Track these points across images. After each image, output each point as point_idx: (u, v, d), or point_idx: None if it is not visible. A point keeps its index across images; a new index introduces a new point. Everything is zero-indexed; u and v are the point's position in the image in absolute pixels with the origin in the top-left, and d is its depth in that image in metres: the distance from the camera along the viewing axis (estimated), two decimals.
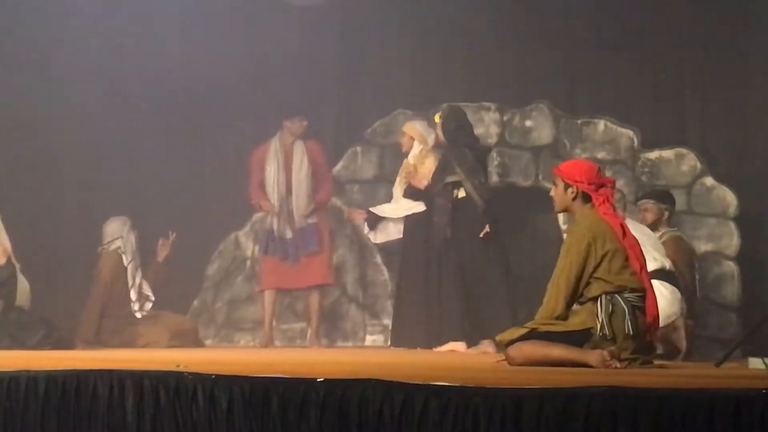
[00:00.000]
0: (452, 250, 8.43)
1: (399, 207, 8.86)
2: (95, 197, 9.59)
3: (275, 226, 9.07)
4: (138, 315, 8.89)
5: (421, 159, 8.85)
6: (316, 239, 9.11)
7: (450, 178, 8.50)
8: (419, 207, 8.71)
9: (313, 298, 9.23)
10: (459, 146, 8.55)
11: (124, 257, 8.91)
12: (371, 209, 9.02)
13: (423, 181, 8.68)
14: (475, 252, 8.42)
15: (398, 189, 8.92)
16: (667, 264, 7.28)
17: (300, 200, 9.07)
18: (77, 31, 9.38)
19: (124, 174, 9.85)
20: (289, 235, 9.06)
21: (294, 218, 9.07)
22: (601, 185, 6.02)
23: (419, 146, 8.86)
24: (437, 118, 8.69)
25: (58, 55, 9.42)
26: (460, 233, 8.43)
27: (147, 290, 8.99)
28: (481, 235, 8.34)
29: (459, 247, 8.43)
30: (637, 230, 6.72)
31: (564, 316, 5.91)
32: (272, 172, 9.12)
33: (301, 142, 9.15)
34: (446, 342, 8.34)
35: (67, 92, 9.48)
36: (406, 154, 8.99)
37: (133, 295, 8.89)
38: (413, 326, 8.55)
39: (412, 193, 8.75)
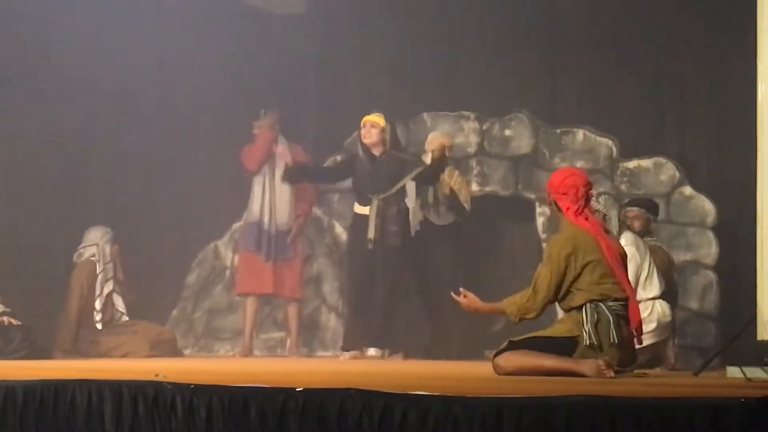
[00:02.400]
0: (399, 256, 8.49)
1: (445, 214, 8.88)
2: (75, 206, 9.56)
3: (264, 221, 9.08)
4: (99, 326, 8.82)
5: (450, 172, 8.88)
6: (292, 246, 9.15)
7: (411, 182, 8.53)
8: (452, 217, 8.87)
9: (292, 308, 9.24)
10: (405, 152, 8.72)
11: (98, 266, 8.87)
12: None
13: (460, 195, 8.83)
14: (410, 258, 8.56)
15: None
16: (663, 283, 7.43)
17: (281, 201, 9.06)
18: (59, 41, 9.35)
19: (103, 183, 9.82)
20: (272, 232, 9.08)
21: (277, 221, 9.10)
22: (564, 193, 6.05)
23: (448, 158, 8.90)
24: (382, 121, 8.62)
25: (39, 64, 9.38)
26: (408, 241, 8.52)
27: (119, 304, 8.93)
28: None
29: (410, 253, 8.53)
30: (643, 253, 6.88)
31: (535, 319, 5.96)
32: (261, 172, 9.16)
33: (285, 143, 9.18)
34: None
35: (48, 100, 9.44)
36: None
37: (98, 305, 8.84)
38: (365, 330, 8.56)
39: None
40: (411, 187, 8.54)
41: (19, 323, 7.96)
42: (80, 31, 9.42)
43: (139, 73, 9.75)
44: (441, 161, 8.80)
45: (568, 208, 6.03)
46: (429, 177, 8.66)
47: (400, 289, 8.52)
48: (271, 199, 9.14)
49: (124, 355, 8.58)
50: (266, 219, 9.09)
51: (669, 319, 7.48)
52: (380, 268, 8.52)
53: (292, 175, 8.87)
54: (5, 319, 7.92)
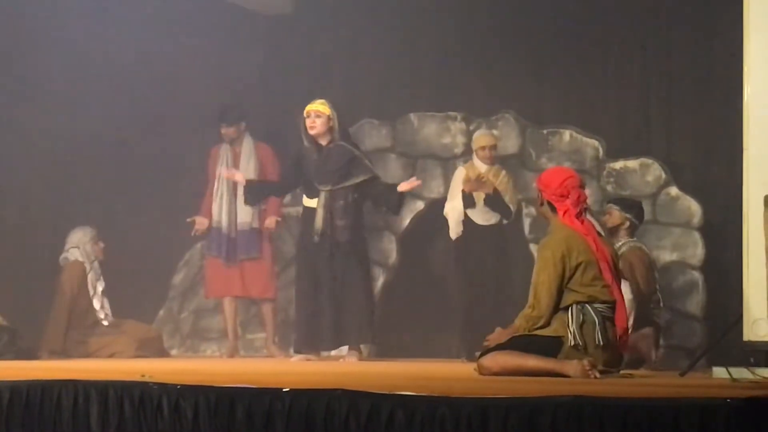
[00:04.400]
0: (350, 252, 8.27)
1: (485, 214, 8.80)
2: (60, 206, 9.53)
3: (222, 224, 9.06)
4: (105, 323, 8.84)
5: (495, 172, 8.81)
6: (258, 246, 9.12)
7: (371, 174, 8.33)
8: (496, 217, 8.76)
9: (266, 308, 9.24)
10: (349, 141, 8.45)
11: (87, 266, 8.86)
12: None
13: (506, 195, 8.69)
14: (366, 254, 8.45)
15: (459, 195, 8.83)
16: None
17: (241, 202, 9.01)
18: (43, 37, 9.33)
19: (89, 183, 9.80)
20: (232, 235, 9.06)
21: (237, 220, 9.07)
22: (564, 195, 6.02)
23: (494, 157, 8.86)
24: (328, 110, 8.32)
25: (18, 62, 9.36)
26: (357, 234, 8.34)
27: (106, 305, 8.92)
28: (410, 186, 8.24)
29: (358, 248, 8.34)
30: None
31: (547, 325, 5.94)
32: (221, 171, 9.14)
33: (251, 142, 9.15)
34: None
35: (31, 99, 9.42)
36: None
37: (96, 304, 8.84)
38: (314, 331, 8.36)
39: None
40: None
41: (5, 324, 7.94)
42: (65, 29, 9.39)
43: (124, 72, 9.73)
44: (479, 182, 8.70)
45: (566, 210, 5.99)
46: (382, 191, 8.34)
47: (348, 286, 8.24)
48: (229, 201, 9.11)
49: (111, 356, 8.57)
50: (224, 222, 9.06)
51: (630, 297, 7.32)
52: (328, 263, 8.25)
53: (252, 197, 8.64)
54: None
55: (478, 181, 8.74)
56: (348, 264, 8.28)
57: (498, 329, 6.17)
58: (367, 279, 8.46)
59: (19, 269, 9.07)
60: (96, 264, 8.93)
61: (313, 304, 8.31)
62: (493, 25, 9.47)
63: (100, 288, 8.90)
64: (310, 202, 8.41)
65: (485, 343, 6.06)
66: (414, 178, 8.42)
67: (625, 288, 7.19)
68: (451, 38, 9.57)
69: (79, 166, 9.75)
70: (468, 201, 8.76)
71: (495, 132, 9.19)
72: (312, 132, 8.32)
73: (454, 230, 8.86)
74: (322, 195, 8.30)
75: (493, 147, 8.88)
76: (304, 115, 8.35)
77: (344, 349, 8.41)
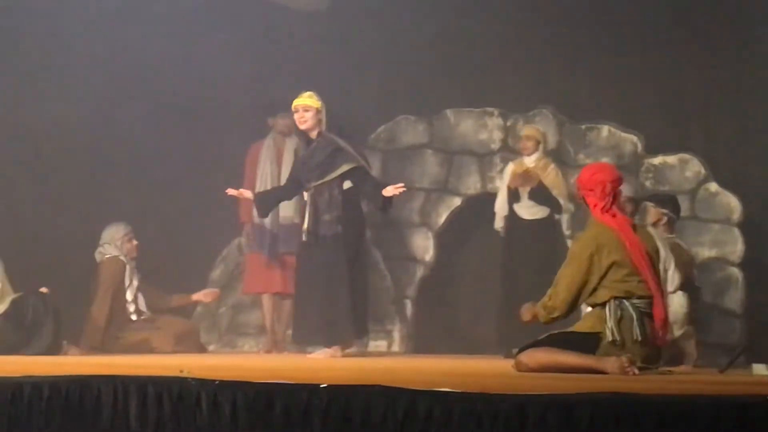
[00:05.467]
0: (341, 246, 8.07)
1: (530, 209, 8.76)
2: (97, 202, 9.59)
3: (265, 220, 9.06)
4: (134, 317, 8.86)
5: (543, 166, 8.78)
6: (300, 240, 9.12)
7: (354, 164, 8.07)
8: (544, 211, 8.69)
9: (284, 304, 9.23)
10: (338, 134, 8.19)
11: (125, 261, 8.89)
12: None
13: (554, 189, 8.61)
14: (359, 247, 8.19)
15: (504, 191, 8.81)
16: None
17: None
18: (76, 35, 9.39)
19: (126, 179, 9.85)
20: (274, 230, 9.07)
21: (279, 215, 9.08)
22: (591, 190, 6.03)
23: (541, 151, 8.80)
24: (316, 103, 8.16)
25: (57, 57, 9.42)
26: (347, 228, 8.09)
27: (141, 301, 8.95)
28: (394, 191, 7.90)
29: (347, 242, 8.08)
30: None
31: (561, 319, 5.95)
32: (264, 168, 9.14)
33: (294, 139, 9.15)
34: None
35: (67, 95, 9.48)
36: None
37: (129, 296, 8.86)
38: (313, 327, 8.21)
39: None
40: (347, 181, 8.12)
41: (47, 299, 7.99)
42: (102, 25, 9.45)
43: (162, 69, 9.77)
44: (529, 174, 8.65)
45: (595, 205, 6.01)
46: (371, 189, 8.06)
47: (336, 282, 8.02)
48: (277, 183, 9.10)
49: (149, 351, 8.61)
50: (267, 218, 9.05)
51: (686, 310, 7.38)
52: (317, 260, 8.09)
53: (263, 209, 8.53)
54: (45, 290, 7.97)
55: (525, 175, 8.71)
56: (336, 259, 8.05)
57: (526, 305, 6.18)
58: (355, 274, 8.11)
59: (57, 264, 9.13)
60: (129, 260, 8.95)
61: (309, 302, 8.17)
62: (531, 19, 9.44)
63: (135, 284, 8.93)
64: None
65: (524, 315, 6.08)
66: (401, 184, 8.04)
67: (683, 299, 7.18)
68: (488, 33, 9.54)
69: (116, 162, 9.81)
70: (514, 196, 8.75)
71: (526, 125, 9.16)
72: (302, 127, 8.17)
73: (498, 225, 8.85)
74: (309, 192, 8.18)
75: (534, 139, 8.83)
76: (293, 110, 8.20)
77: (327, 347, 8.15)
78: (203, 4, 9.65)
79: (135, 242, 8.95)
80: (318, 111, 8.15)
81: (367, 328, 8.35)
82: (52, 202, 9.51)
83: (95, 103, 9.62)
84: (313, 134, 8.19)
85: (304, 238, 8.17)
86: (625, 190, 7.76)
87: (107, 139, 9.74)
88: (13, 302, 7.93)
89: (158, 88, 9.80)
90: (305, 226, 8.17)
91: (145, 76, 9.74)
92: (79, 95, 9.55)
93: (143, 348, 8.66)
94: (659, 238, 7.47)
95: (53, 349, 7.83)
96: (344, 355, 8.04)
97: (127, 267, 8.86)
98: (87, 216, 9.44)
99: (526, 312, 6.12)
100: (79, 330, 8.69)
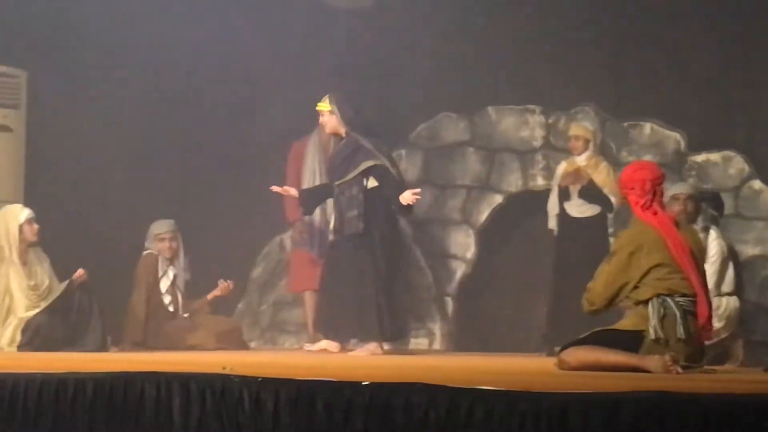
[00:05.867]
0: (365, 244, 8.06)
1: (580, 207, 8.71)
2: (141, 199, 9.64)
3: (315, 217, 9.06)
4: (170, 309, 8.88)
5: (594, 164, 8.73)
6: None
7: (372, 162, 8.09)
8: (595, 209, 8.64)
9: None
10: (364, 133, 8.22)
11: (160, 259, 8.91)
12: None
13: (605, 187, 8.53)
14: (386, 245, 8.12)
15: (555, 189, 8.78)
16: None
17: None
18: (124, 33, 9.45)
19: (170, 177, 9.90)
20: (323, 228, 9.07)
21: (327, 212, 9.07)
22: (631, 188, 6.01)
23: (591, 149, 8.78)
24: (327, 106, 8.23)
25: (102, 58, 9.49)
26: (370, 226, 8.07)
27: (179, 298, 8.97)
28: (411, 199, 7.93)
29: (371, 240, 8.07)
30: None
31: (602, 312, 5.95)
32: (310, 165, 9.15)
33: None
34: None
35: (110, 94, 9.55)
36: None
37: (163, 287, 8.88)
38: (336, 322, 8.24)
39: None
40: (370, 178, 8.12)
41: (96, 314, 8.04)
42: (145, 24, 9.50)
43: (205, 67, 9.81)
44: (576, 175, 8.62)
45: (636, 203, 6.00)
46: (391, 191, 8.06)
47: (362, 280, 8.03)
48: (322, 180, 9.09)
49: (191, 348, 8.64)
50: (317, 215, 9.05)
51: (738, 313, 7.40)
52: (342, 258, 8.13)
53: (309, 206, 8.59)
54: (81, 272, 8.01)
55: (575, 174, 8.68)
56: (361, 257, 8.08)
57: None
58: (383, 271, 8.09)
59: (101, 262, 9.19)
60: (175, 259, 8.98)
61: (334, 300, 8.19)
62: (572, 17, 9.39)
63: (171, 276, 8.93)
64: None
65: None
66: (418, 189, 8.13)
67: (737, 302, 7.14)
68: (529, 30, 9.51)
69: (160, 160, 9.86)
70: (564, 194, 8.72)
71: (574, 124, 9.11)
72: (327, 131, 8.35)
73: (551, 224, 8.83)
74: (335, 190, 8.25)
75: (584, 138, 8.78)
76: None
77: (360, 344, 8.17)
78: (246, 3, 9.68)
79: (169, 243, 8.90)
80: (331, 113, 8.23)
81: (401, 325, 8.32)
82: (98, 199, 9.58)
83: (139, 101, 9.68)
84: (341, 134, 8.26)
85: (330, 236, 8.26)
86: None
87: (151, 137, 9.79)
88: (59, 298, 7.99)
89: (201, 86, 9.84)
90: (331, 224, 8.25)
91: (188, 75, 9.79)
92: (122, 94, 9.61)
93: (186, 345, 8.69)
94: (719, 238, 7.43)
95: (99, 346, 7.88)
96: (384, 353, 8.04)
97: (160, 260, 8.87)
98: (132, 213, 9.50)
99: None
100: (124, 327, 8.75)
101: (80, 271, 8.05)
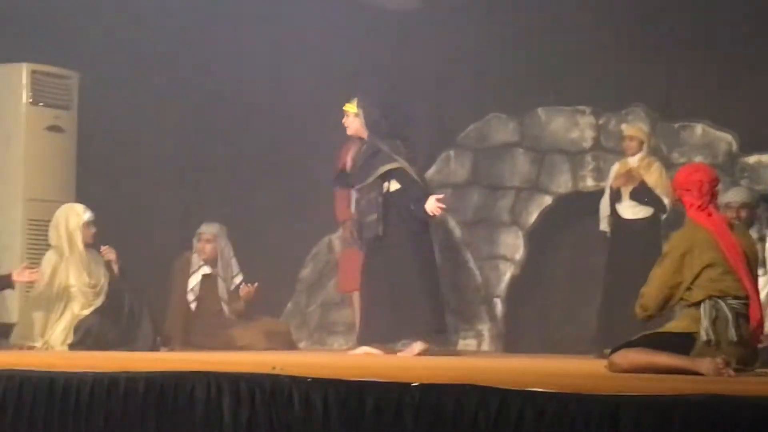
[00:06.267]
0: (382, 248, 8.04)
1: (633, 208, 8.66)
2: (191, 201, 9.70)
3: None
4: (192, 307, 8.90)
5: (646, 165, 8.69)
6: None
7: (388, 166, 8.05)
8: (648, 211, 8.58)
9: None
10: (387, 136, 8.17)
11: (192, 259, 8.95)
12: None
13: (658, 188, 8.46)
14: (405, 248, 8.06)
15: (607, 191, 8.75)
16: None
17: None
18: (170, 37, 9.51)
19: (219, 179, 9.95)
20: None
21: None
22: (687, 190, 5.97)
23: (645, 150, 8.73)
24: (353, 108, 8.22)
25: (154, 63, 9.56)
26: (390, 229, 8.03)
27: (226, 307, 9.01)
28: (437, 209, 7.91)
29: (389, 244, 8.04)
30: None
31: (656, 316, 5.91)
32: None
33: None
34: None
35: (163, 99, 9.62)
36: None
37: (190, 284, 8.90)
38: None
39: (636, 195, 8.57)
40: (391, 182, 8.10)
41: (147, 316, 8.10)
42: (195, 27, 9.56)
43: (253, 70, 9.85)
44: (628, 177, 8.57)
45: (691, 204, 5.96)
46: (413, 197, 8.05)
47: (389, 282, 8.03)
48: None
49: (241, 348, 8.68)
50: None
51: None
52: (366, 261, 8.14)
53: (340, 181, 8.59)
54: (112, 258, 8.05)
55: (628, 175, 8.63)
56: (380, 261, 8.07)
57: None
58: (405, 275, 8.04)
59: (152, 264, 9.25)
60: (221, 260, 9.01)
61: (377, 300, 8.17)
62: (624, 17, 9.35)
63: (195, 281, 8.94)
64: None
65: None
66: (442, 195, 8.12)
67: None
68: (580, 31, 9.46)
69: (210, 163, 9.91)
70: (616, 195, 8.67)
71: (625, 125, 9.05)
72: (349, 133, 8.31)
73: (603, 226, 8.79)
74: (356, 195, 8.27)
75: (638, 139, 8.72)
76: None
77: (407, 343, 8.13)
78: (293, 6, 9.71)
79: (205, 244, 8.92)
80: (356, 115, 8.21)
81: (438, 327, 8.22)
82: (148, 200, 9.64)
83: (189, 103, 9.74)
84: (363, 137, 8.24)
85: (350, 242, 8.31)
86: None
87: (201, 138, 9.85)
88: (111, 298, 8.05)
89: (250, 89, 9.88)
90: (353, 229, 8.28)
91: (237, 80, 9.84)
92: (172, 96, 9.67)
93: (235, 345, 8.73)
94: None
95: (149, 346, 7.94)
96: (430, 353, 8.02)
97: (193, 259, 8.90)
98: (182, 215, 9.56)
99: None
100: (172, 326, 8.80)
101: (105, 249, 8.08)
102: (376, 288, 8.16)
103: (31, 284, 7.99)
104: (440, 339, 8.35)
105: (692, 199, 5.96)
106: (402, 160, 8.12)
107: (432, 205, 7.95)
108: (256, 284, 8.94)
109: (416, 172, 8.19)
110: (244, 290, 8.97)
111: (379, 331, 8.20)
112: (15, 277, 7.77)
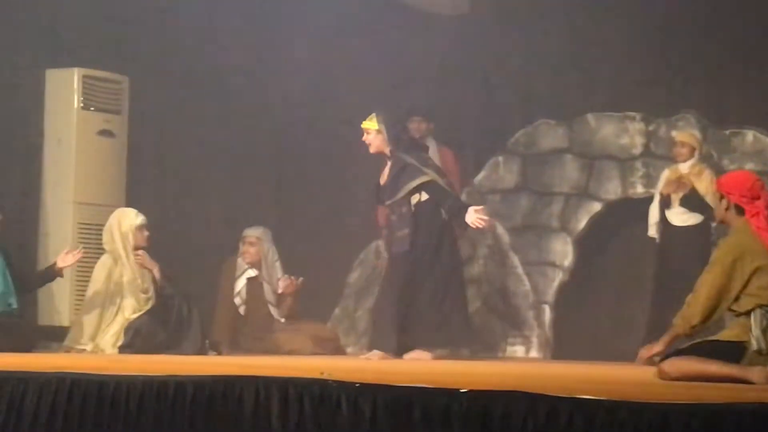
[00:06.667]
0: (413, 261, 7.97)
1: (682, 215, 8.64)
2: (240, 205, 9.75)
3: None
4: (241, 311, 8.93)
5: (697, 172, 8.65)
6: None
7: (419, 180, 7.95)
8: (698, 218, 8.55)
9: None
10: (410, 149, 8.11)
11: (237, 262, 8.98)
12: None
13: (708, 195, 8.36)
14: (433, 259, 7.99)
15: (657, 197, 8.73)
16: None
17: None
18: (219, 42, 9.57)
19: (267, 184, 9.99)
20: None
21: None
22: (755, 198, 5.89)
23: (696, 157, 8.68)
24: (374, 125, 8.08)
25: (201, 64, 9.62)
26: (419, 240, 7.97)
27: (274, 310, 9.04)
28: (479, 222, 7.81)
29: (418, 257, 7.97)
30: None
31: (700, 328, 5.83)
32: None
33: (434, 145, 9.10)
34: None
35: (210, 101, 9.67)
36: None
37: (237, 287, 8.93)
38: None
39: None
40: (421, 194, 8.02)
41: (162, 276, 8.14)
42: (240, 32, 9.61)
43: (299, 75, 9.88)
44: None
45: (758, 212, 5.87)
46: (444, 196, 7.98)
47: (408, 296, 7.96)
48: None
49: (288, 353, 8.70)
50: None
51: None
52: (394, 275, 8.08)
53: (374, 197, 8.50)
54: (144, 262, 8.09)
55: (678, 182, 8.58)
56: (411, 273, 7.98)
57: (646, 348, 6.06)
58: (433, 287, 8.00)
59: (200, 266, 9.30)
60: (266, 265, 9.03)
61: (386, 314, 8.16)
62: (674, 23, 9.29)
63: (240, 285, 8.97)
64: None
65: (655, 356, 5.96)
66: (481, 207, 8.02)
67: None
68: (629, 37, 9.42)
69: (258, 166, 9.95)
70: (666, 202, 8.63)
71: (677, 132, 8.99)
72: (371, 151, 8.18)
73: (652, 232, 8.74)
74: (387, 210, 8.23)
75: (689, 146, 8.66)
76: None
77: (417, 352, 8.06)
78: (341, 10, 9.73)
79: (249, 248, 8.95)
80: (378, 132, 8.09)
81: (458, 341, 8.18)
82: (197, 204, 9.69)
83: (237, 107, 9.79)
84: (387, 153, 8.14)
85: (380, 258, 8.26)
86: None
87: (249, 142, 9.89)
88: (160, 301, 8.10)
89: (297, 93, 9.91)
90: (384, 244, 8.22)
91: (285, 86, 9.87)
92: (221, 101, 9.72)
93: (283, 350, 8.75)
94: None
95: (197, 350, 7.98)
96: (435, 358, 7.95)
97: (238, 263, 8.94)
98: (230, 219, 9.60)
99: (648, 351, 6.01)
100: (219, 330, 8.84)
101: (141, 254, 8.09)
102: (392, 299, 8.08)
103: (82, 285, 8.08)
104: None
105: (761, 207, 5.88)
106: (432, 171, 8.06)
107: (472, 217, 7.87)
108: (300, 279, 8.94)
109: (446, 183, 8.12)
110: (284, 282, 8.97)
111: (388, 339, 8.12)
112: (59, 263, 7.87)
